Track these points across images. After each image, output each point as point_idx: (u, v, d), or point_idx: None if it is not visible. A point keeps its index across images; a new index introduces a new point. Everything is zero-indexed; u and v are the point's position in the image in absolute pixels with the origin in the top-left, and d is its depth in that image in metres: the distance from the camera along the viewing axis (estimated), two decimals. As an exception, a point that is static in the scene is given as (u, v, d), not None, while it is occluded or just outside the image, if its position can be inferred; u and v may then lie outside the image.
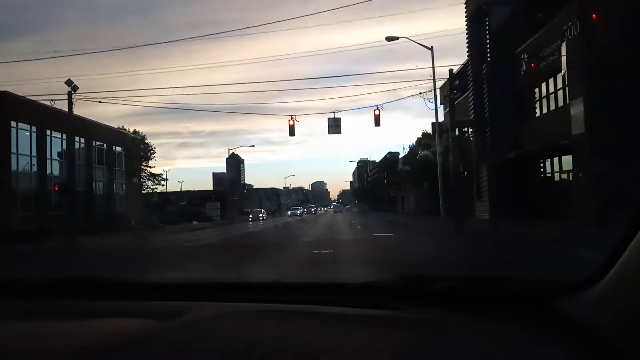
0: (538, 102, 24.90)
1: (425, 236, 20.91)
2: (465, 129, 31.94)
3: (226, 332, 1.30)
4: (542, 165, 25.42)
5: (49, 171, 33.21)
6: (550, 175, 24.91)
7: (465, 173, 28.14)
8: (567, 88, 21.23)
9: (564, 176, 23.29)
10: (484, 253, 13.75)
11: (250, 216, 60.76)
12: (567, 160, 22.32)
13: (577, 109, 19.45)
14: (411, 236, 21.49)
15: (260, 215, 61.10)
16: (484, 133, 27.73)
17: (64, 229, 25.56)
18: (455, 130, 25.92)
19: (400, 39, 27.15)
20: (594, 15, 12.20)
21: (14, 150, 29.66)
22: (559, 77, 22.03)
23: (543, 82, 23.30)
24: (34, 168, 31.83)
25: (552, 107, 23.37)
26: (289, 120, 29.18)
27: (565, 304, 1.28)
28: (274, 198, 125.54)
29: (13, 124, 29.51)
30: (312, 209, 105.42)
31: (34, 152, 31.80)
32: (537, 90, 24.72)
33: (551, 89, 23.34)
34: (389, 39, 27.03)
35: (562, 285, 1.35)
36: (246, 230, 33.53)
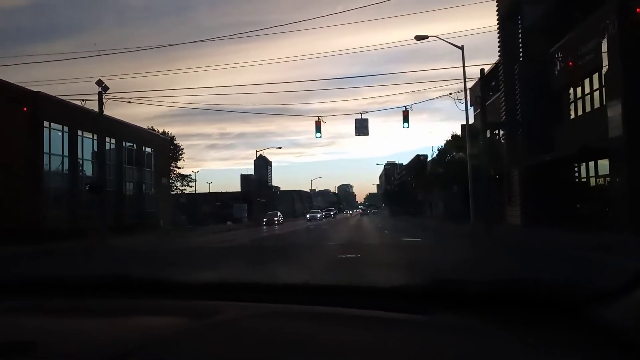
0: (573, 104, 24.16)
1: (455, 241, 20.50)
2: (497, 131, 31.26)
3: (258, 332, 1.32)
4: (576, 169, 24.64)
5: (80, 171, 33.77)
6: (585, 179, 24.11)
7: (497, 176, 27.53)
8: (603, 88, 20.56)
9: (600, 181, 22.50)
10: (516, 258, 13.48)
11: (265, 219, 52.81)
12: (603, 165, 21.57)
13: (615, 111, 18.76)
14: (440, 241, 21.08)
15: (276, 219, 53.52)
16: (516, 135, 27.07)
17: (94, 228, 25.91)
18: (486, 132, 25.35)
19: (429, 38, 26.66)
20: (638, 10, 11.65)
21: (46, 150, 30.22)
22: (595, 77, 21.35)
23: (579, 82, 22.57)
24: (66, 168, 32.37)
25: (588, 109, 22.63)
26: (316, 120, 29.07)
27: (602, 311, 1.25)
28: (306, 200, 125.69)
29: (45, 123, 30.06)
30: (332, 213, 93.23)
31: (66, 152, 32.35)
32: (571, 90, 23.98)
33: (587, 90, 22.60)
34: (418, 37, 26.56)
35: (598, 291, 1.32)
36: (272, 233, 33.47)
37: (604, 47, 19.05)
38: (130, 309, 1.63)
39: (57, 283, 1.91)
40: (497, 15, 29.30)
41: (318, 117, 29.41)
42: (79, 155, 33.68)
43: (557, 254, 13.84)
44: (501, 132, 30.77)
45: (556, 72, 24.55)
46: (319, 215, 68.07)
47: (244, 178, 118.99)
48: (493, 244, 18.56)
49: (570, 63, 19.44)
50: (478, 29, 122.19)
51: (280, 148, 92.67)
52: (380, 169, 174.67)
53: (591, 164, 23.05)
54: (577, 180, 24.74)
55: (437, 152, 51.26)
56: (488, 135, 26.29)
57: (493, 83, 31.07)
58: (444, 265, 11.19)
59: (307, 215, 68.29)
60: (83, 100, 27.85)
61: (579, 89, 23.33)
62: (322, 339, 1.24)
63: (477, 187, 25.53)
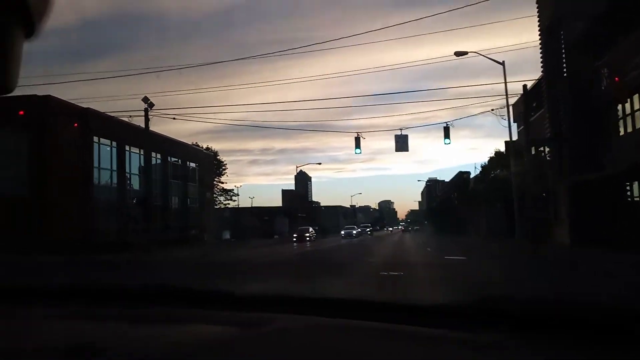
0: (622, 120, 23.37)
1: (502, 260, 20.00)
2: (542, 148, 30.52)
3: (307, 345, 1.34)
4: (628, 187, 23.73)
5: (127, 185, 34.87)
6: (638, 199, 23.18)
7: (543, 194, 26.82)
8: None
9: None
10: (565, 279, 13.07)
11: (295, 235, 49.24)
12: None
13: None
14: (486, 260, 20.61)
15: (307, 234, 49.51)
16: (562, 152, 26.35)
17: (140, 241, 26.62)
18: (530, 149, 24.80)
19: (469, 54, 26.44)
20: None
21: (96, 164, 31.39)
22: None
23: (625, 98, 21.85)
24: (114, 182, 33.49)
25: (638, 125, 21.84)
26: (356, 136, 29.18)
27: None
28: (350, 215, 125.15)
29: (95, 139, 31.26)
30: (368, 230, 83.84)
31: (114, 167, 33.52)
32: (620, 107, 23.23)
33: (636, 106, 21.84)
34: (457, 53, 26.40)
35: None
36: (312, 248, 33.53)
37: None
38: (180, 318, 1.68)
39: (112, 291, 2.01)
40: (539, 30, 28.77)
41: (357, 132, 29.51)
42: (127, 170, 34.84)
43: (609, 274, 13.36)
44: (546, 149, 30.04)
45: (602, 87, 23.84)
46: (354, 232, 63.39)
47: (285, 193, 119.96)
48: (541, 262, 18.04)
49: (617, 79, 18.81)
50: (520, 45, 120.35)
51: (320, 164, 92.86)
52: (422, 185, 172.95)
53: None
54: (629, 199, 23.82)
55: (479, 169, 50.44)
56: (533, 152, 25.70)
57: (535, 103, 30.41)
58: (492, 284, 11.00)
59: (342, 232, 63.44)
60: (130, 116, 28.88)
61: (627, 105, 22.57)
62: (367, 352, 1.25)
63: (523, 205, 24.91)
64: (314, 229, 55.79)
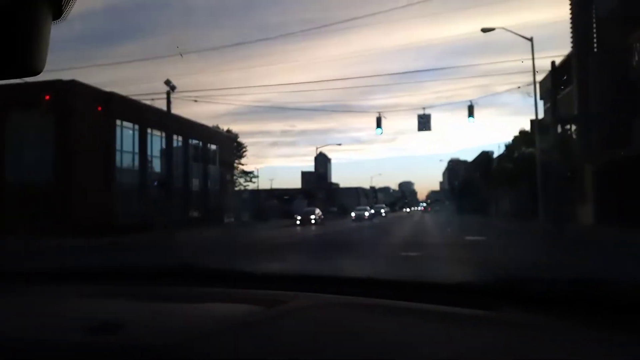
0: (653, 96, 22.64)
1: (527, 240, 19.73)
2: (568, 127, 29.83)
3: (326, 321, 1.35)
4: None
5: (149, 167, 35.13)
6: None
7: (568, 174, 26.27)
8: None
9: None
10: (588, 258, 12.84)
11: (299, 218, 43.53)
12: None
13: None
14: (511, 240, 20.34)
15: (313, 216, 43.35)
16: (590, 130, 25.69)
17: (162, 223, 26.89)
18: (557, 127, 24.22)
19: (496, 30, 25.79)
20: None
21: (118, 147, 31.62)
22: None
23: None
24: (136, 164, 33.76)
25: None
26: (377, 116, 28.90)
27: None
28: (371, 196, 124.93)
29: (118, 122, 31.44)
30: (383, 211, 72.06)
31: (136, 149, 33.74)
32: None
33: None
34: (484, 30, 25.76)
35: None
36: (333, 229, 33.50)
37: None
38: (202, 297, 1.71)
39: (133, 271, 2.10)
40: (570, 4, 27.93)
41: (379, 112, 29.21)
42: (148, 153, 35.03)
43: (632, 254, 13.06)
44: (573, 128, 29.35)
45: (634, 63, 23.08)
46: (367, 213, 53.63)
47: (305, 174, 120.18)
48: (566, 243, 17.75)
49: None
50: (548, 20, 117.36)
51: (340, 145, 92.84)
52: (443, 165, 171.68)
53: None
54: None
55: (504, 148, 49.68)
56: (559, 131, 25.11)
57: (564, 80, 29.64)
58: (515, 264, 10.80)
59: (352, 214, 54.04)
60: (152, 99, 28.90)
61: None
62: (387, 330, 1.27)
63: (547, 185, 24.48)
64: (331, 210, 51.64)
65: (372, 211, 58.93)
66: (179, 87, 28.34)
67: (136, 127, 33.51)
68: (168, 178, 30.55)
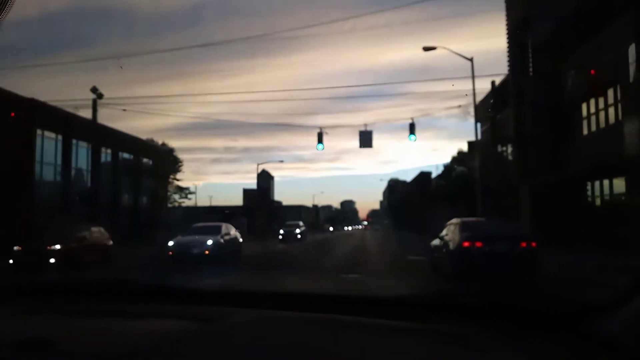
0: (586, 120, 23.16)
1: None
2: (505, 148, 30.31)
3: (259, 337, 1.32)
4: (589, 187, 23.53)
5: (73, 181, 32.71)
6: (599, 198, 22.99)
7: (505, 193, 26.48)
8: (619, 104, 19.61)
9: (615, 200, 21.38)
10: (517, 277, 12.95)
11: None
12: (619, 184, 20.49)
13: (632, 127, 17.76)
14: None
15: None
16: (525, 151, 26.07)
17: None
18: (495, 147, 24.39)
19: (438, 54, 25.88)
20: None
21: (38, 158, 29.24)
22: (610, 92, 20.39)
23: (593, 97, 21.62)
24: (58, 177, 31.38)
25: (602, 125, 21.61)
26: (319, 132, 28.37)
27: (598, 322, 1.26)
28: (312, 215, 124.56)
29: (39, 131, 29.12)
30: (297, 231, 45.31)
31: (59, 161, 31.38)
32: (584, 106, 23.00)
33: (601, 105, 21.61)
34: (426, 48, 25.73)
35: (594, 304, 1.33)
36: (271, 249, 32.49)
37: (622, 61, 18.14)
38: (135, 314, 1.67)
39: (62, 288, 2.05)
40: (507, 29, 28.59)
41: (320, 128, 28.67)
42: (73, 165, 32.68)
43: (563, 272, 13.91)
44: (510, 149, 29.81)
45: (568, 87, 23.59)
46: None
47: (247, 192, 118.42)
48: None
49: (593, 71, 18.54)
50: (487, 46, 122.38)
51: (282, 162, 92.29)
52: (384, 185, 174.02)
53: (606, 182, 21.95)
54: (589, 199, 23.61)
55: (442, 169, 50.37)
56: (498, 150, 25.32)
57: (501, 98, 30.17)
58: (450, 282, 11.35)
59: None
60: (76, 107, 27.03)
61: (592, 105, 22.37)
62: (321, 344, 1.26)
63: (485, 204, 24.56)
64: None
65: (298, 231, 46.29)
66: (113, 99, 26.66)
67: (59, 137, 31.21)
68: (93, 192, 28.52)
